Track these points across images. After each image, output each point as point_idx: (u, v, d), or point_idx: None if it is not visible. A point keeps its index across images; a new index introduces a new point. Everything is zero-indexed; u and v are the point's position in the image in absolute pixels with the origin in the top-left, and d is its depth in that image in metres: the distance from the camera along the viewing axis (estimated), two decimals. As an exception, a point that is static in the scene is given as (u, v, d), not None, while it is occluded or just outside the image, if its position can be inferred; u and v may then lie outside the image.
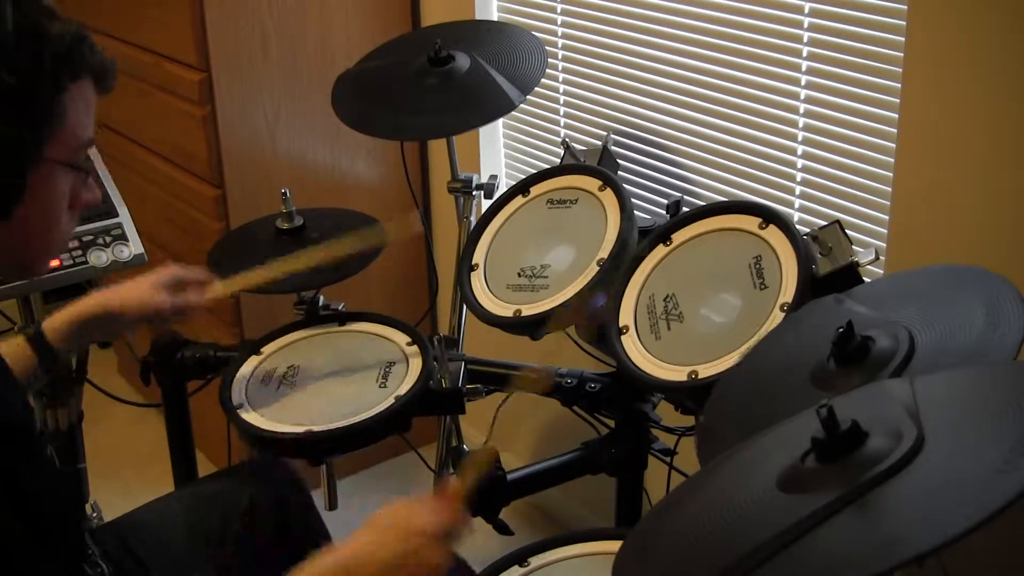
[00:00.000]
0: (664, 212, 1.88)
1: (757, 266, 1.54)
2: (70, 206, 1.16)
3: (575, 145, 1.95)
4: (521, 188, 1.87)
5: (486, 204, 1.97)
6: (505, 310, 1.72)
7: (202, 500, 1.66)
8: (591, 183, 1.80)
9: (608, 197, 1.76)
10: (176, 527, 1.58)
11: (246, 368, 1.78)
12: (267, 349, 1.83)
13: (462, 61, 1.99)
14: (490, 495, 1.62)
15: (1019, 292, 1.12)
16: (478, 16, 2.42)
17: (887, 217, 1.71)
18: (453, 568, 1.48)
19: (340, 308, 1.92)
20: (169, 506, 1.64)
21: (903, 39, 1.61)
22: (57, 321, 1.51)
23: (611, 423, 1.78)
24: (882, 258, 1.69)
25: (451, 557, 1.20)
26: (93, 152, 1.94)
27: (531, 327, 1.71)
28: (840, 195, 1.80)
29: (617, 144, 2.17)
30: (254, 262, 1.94)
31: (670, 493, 1.09)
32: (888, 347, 1.12)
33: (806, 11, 1.77)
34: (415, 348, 1.77)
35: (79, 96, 1.12)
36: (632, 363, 1.55)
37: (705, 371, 1.47)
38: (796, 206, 1.88)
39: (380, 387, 1.69)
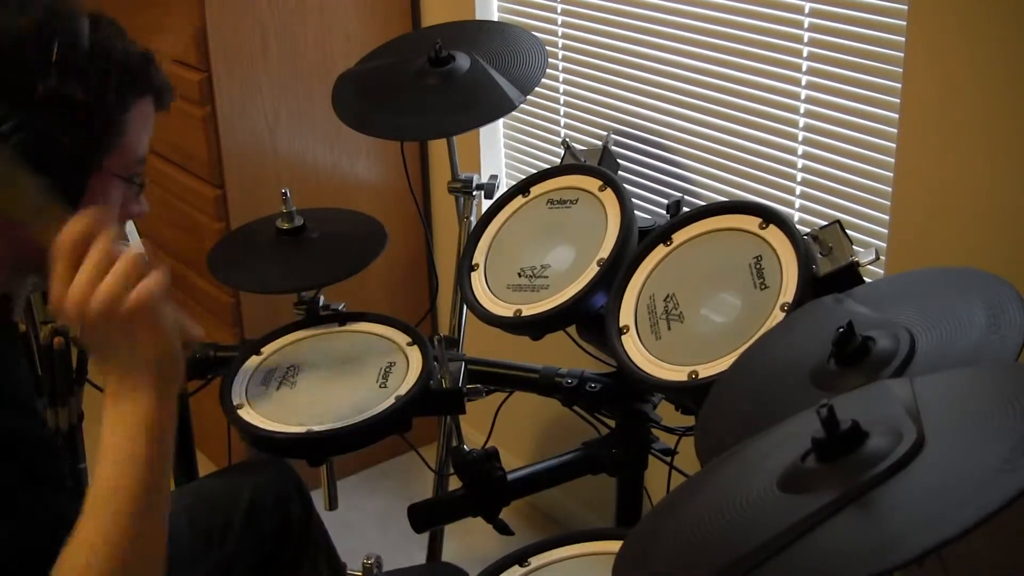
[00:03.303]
0: (664, 212, 1.88)
1: (757, 266, 1.54)
2: (118, 218, 1.20)
3: (575, 145, 1.95)
4: (521, 188, 1.87)
5: (486, 204, 1.97)
6: (505, 310, 1.72)
7: (202, 498, 1.66)
8: (591, 183, 1.80)
9: (608, 197, 1.76)
10: (177, 525, 1.57)
11: (246, 368, 1.78)
12: (267, 349, 1.82)
13: (462, 61, 1.99)
14: (490, 495, 1.63)
15: (1020, 294, 1.12)
16: (478, 16, 2.42)
17: (887, 217, 1.71)
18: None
19: (340, 308, 1.92)
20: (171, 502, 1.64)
21: (903, 39, 1.61)
22: None
23: (611, 423, 1.78)
24: (882, 258, 1.70)
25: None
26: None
27: (531, 327, 1.71)
28: (840, 195, 1.80)
29: (617, 144, 2.17)
30: (253, 263, 1.95)
31: (670, 493, 1.09)
32: (889, 347, 1.12)
33: (806, 11, 1.77)
34: (415, 348, 1.77)
35: (140, 113, 1.16)
36: (632, 363, 1.55)
37: (705, 371, 1.47)
38: (796, 206, 1.88)
39: (380, 387, 1.69)
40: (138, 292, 1.00)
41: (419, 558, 2.31)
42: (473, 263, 1.81)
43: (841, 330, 1.13)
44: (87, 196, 1.12)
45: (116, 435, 1.00)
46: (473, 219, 2.14)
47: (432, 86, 1.98)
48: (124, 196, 1.19)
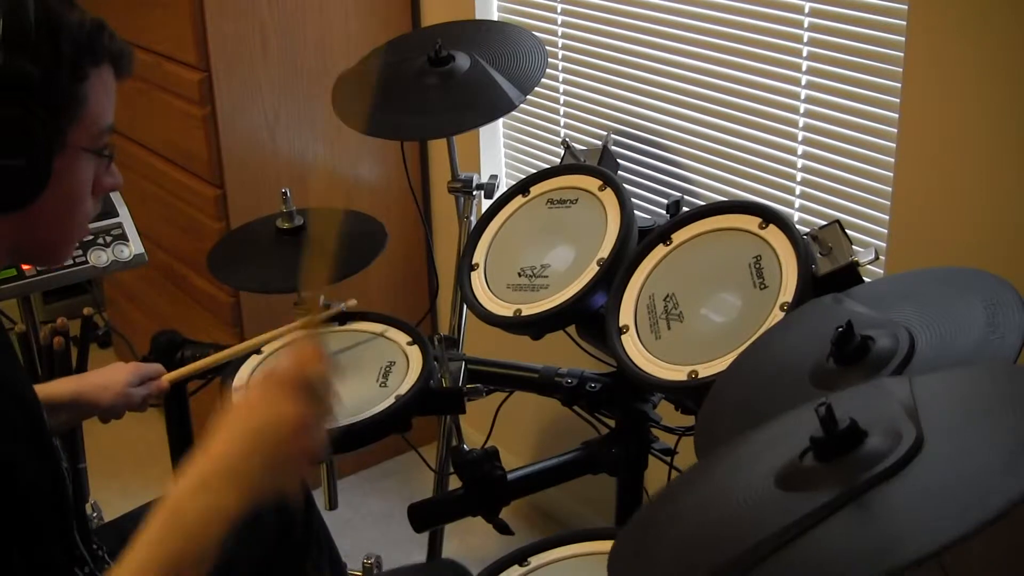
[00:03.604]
0: (664, 212, 1.88)
1: (757, 266, 1.54)
2: (92, 192, 1.17)
3: (575, 145, 1.95)
4: (521, 188, 1.87)
5: (486, 204, 1.97)
6: (505, 310, 1.73)
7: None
8: (591, 183, 1.80)
9: (608, 197, 1.76)
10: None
11: (246, 368, 1.78)
12: (267, 348, 1.82)
13: (462, 61, 1.99)
14: (490, 495, 1.63)
15: (1019, 294, 1.12)
16: (478, 16, 2.42)
17: (887, 217, 1.71)
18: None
19: (341, 308, 1.92)
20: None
21: (903, 39, 1.61)
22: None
23: (611, 423, 1.78)
24: (882, 258, 1.70)
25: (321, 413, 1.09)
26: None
27: (531, 327, 1.71)
28: (840, 195, 1.80)
29: (617, 144, 2.17)
30: (253, 263, 1.95)
31: (666, 487, 1.08)
32: (888, 347, 1.12)
33: (806, 11, 1.77)
34: (415, 348, 1.77)
35: (99, 82, 1.13)
36: (632, 363, 1.55)
37: (705, 371, 1.47)
38: (796, 206, 1.88)
39: (380, 387, 1.69)
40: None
41: (419, 558, 2.31)
42: (473, 263, 1.81)
43: (840, 329, 1.13)
44: (55, 174, 1.09)
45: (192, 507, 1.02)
46: (473, 219, 2.14)
47: (432, 86, 1.98)
48: (95, 170, 1.16)
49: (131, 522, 1.58)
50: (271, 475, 1.06)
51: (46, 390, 1.52)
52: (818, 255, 1.50)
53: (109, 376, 1.62)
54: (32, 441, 1.13)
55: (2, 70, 1.04)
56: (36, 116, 1.07)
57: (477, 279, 1.79)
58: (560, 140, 1.99)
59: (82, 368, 1.88)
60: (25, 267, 1.78)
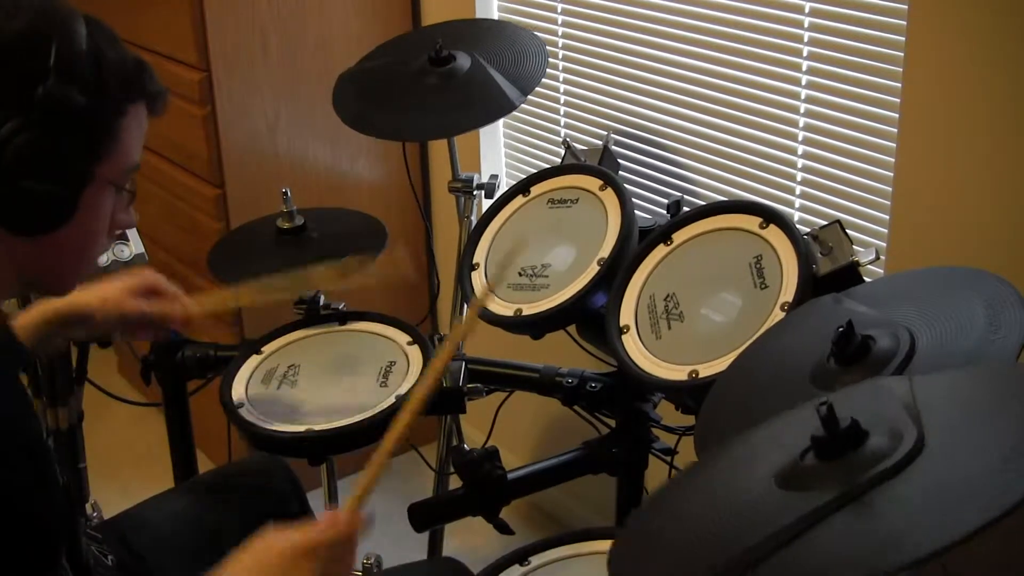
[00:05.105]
0: (664, 212, 1.88)
1: (757, 265, 1.54)
2: (108, 230, 1.18)
3: (576, 145, 1.95)
4: (522, 188, 1.87)
5: (487, 204, 1.97)
6: (506, 309, 1.73)
7: (201, 495, 1.67)
8: (592, 183, 1.80)
9: (609, 197, 1.77)
10: (175, 522, 1.58)
11: (246, 367, 1.78)
12: (267, 348, 1.83)
13: (463, 61, 1.99)
14: (490, 495, 1.63)
15: (1019, 294, 1.12)
16: (478, 16, 2.42)
17: (887, 217, 1.71)
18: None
19: (340, 307, 1.92)
20: (169, 501, 1.65)
21: (903, 39, 1.61)
22: (26, 319, 1.50)
23: (611, 423, 1.78)
24: (882, 258, 1.70)
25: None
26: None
27: (532, 326, 1.71)
28: (840, 195, 1.80)
29: (618, 144, 2.17)
30: (253, 263, 1.95)
31: (664, 486, 1.08)
32: (888, 347, 1.12)
33: (806, 11, 1.77)
34: (415, 347, 1.77)
35: (135, 120, 1.15)
36: (633, 362, 1.55)
37: (706, 370, 1.48)
38: (796, 206, 1.88)
39: (380, 386, 1.70)
40: None
41: (419, 557, 2.31)
42: (474, 262, 1.82)
43: (841, 329, 1.13)
44: (80, 208, 1.10)
45: None
46: (474, 218, 2.14)
47: (432, 86, 1.98)
48: (114, 206, 1.16)
49: (130, 518, 1.59)
50: None
51: (46, 306, 1.50)
52: (819, 255, 1.50)
53: (110, 283, 1.58)
54: (37, 476, 1.12)
55: (49, 96, 1.05)
56: (75, 145, 1.08)
57: (477, 279, 1.80)
58: (560, 140, 1.99)
59: (82, 368, 1.88)
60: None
